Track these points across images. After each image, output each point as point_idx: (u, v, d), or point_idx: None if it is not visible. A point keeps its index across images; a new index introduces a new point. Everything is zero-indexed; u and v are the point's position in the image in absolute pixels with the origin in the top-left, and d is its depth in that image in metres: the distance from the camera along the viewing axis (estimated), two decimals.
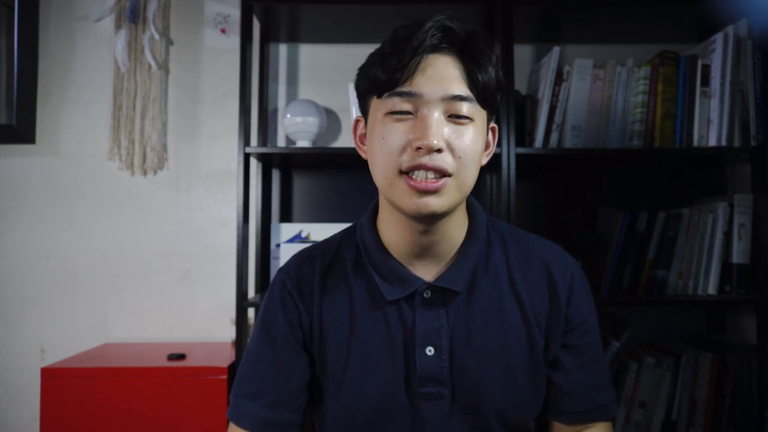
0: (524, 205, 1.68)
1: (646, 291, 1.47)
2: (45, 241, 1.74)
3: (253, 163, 1.65)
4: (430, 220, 0.76)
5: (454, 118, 0.72)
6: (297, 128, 1.60)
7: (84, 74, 1.76)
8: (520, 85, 1.71)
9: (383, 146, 0.73)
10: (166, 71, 1.78)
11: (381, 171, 0.74)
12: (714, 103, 1.45)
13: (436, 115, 0.71)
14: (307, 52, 1.79)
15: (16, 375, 1.71)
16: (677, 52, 1.49)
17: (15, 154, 1.75)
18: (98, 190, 1.75)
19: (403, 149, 0.72)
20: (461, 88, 0.72)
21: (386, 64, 0.72)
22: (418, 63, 0.71)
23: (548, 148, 1.48)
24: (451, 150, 0.71)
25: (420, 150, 0.70)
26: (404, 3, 1.49)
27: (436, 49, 0.72)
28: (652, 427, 1.46)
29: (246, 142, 1.47)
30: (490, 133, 0.82)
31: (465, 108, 0.72)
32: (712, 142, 1.45)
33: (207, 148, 1.77)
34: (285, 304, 0.84)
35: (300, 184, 1.76)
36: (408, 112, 0.72)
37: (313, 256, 0.87)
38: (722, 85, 1.44)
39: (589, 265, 1.54)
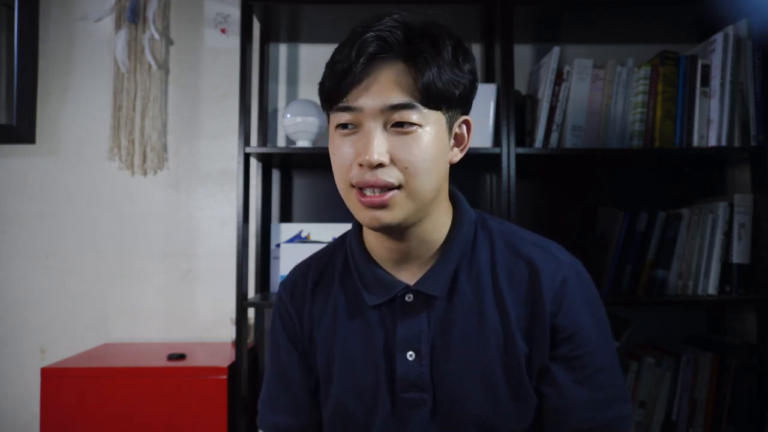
0: (524, 205, 1.68)
1: (646, 291, 1.47)
2: (45, 241, 1.74)
3: (253, 163, 1.65)
4: (391, 231, 0.75)
5: (398, 127, 0.70)
6: (297, 128, 1.60)
7: (84, 74, 1.76)
8: (520, 85, 1.71)
9: (335, 161, 0.73)
10: (166, 71, 1.78)
11: (337, 183, 0.75)
12: (714, 103, 1.45)
13: (375, 129, 0.70)
14: (307, 52, 1.79)
15: (16, 375, 1.71)
16: (677, 52, 1.49)
17: (15, 154, 1.75)
18: (98, 190, 1.75)
19: (351, 164, 0.71)
20: (400, 96, 0.69)
21: (330, 77, 0.72)
22: (355, 76, 0.70)
23: (548, 148, 1.48)
24: (396, 161, 0.70)
25: (363, 166, 0.69)
26: (404, 3, 1.49)
27: (374, 58, 0.70)
28: (652, 427, 1.46)
29: (246, 142, 1.47)
30: (464, 126, 0.80)
31: (408, 115, 0.69)
32: (712, 142, 1.45)
33: (207, 148, 1.77)
34: (282, 317, 0.88)
35: (300, 184, 1.76)
36: (354, 126, 0.71)
37: (307, 265, 0.89)
38: (722, 85, 1.44)
39: (589, 265, 1.54)
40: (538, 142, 1.49)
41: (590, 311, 0.78)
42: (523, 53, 1.75)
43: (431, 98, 0.70)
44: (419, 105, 0.70)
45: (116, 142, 1.73)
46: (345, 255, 0.86)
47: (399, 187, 0.70)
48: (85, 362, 1.45)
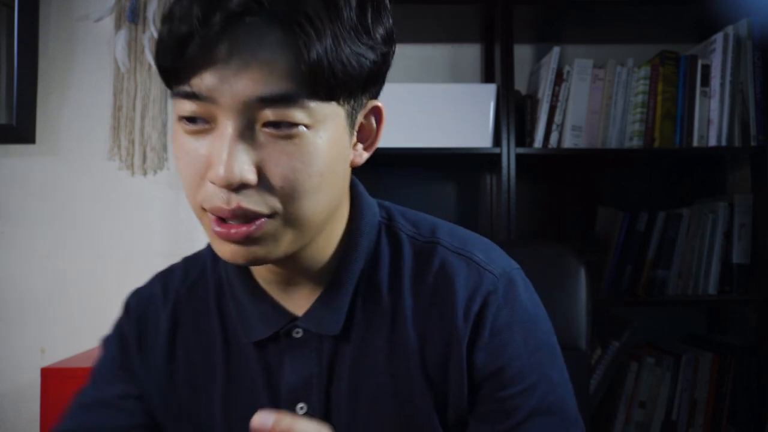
0: (524, 205, 1.68)
1: (646, 291, 1.47)
2: (45, 241, 1.74)
3: None
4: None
5: (272, 128, 0.47)
6: None
7: (84, 74, 1.76)
8: (520, 85, 1.71)
9: (180, 168, 0.51)
10: None
11: (187, 198, 0.51)
12: (714, 103, 1.45)
13: (233, 132, 0.46)
14: None
15: (16, 375, 1.71)
16: (677, 52, 1.49)
17: (15, 154, 1.75)
18: (98, 190, 1.75)
19: (201, 178, 0.49)
20: (276, 83, 0.46)
21: (166, 41, 0.47)
22: (208, 46, 0.45)
23: (548, 148, 1.48)
24: (268, 179, 0.48)
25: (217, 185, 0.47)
26: (404, 3, 1.49)
27: (238, 18, 0.45)
28: (652, 427, 1.46)
29: None
30: (371, 117, 0.57)
31: (288, 113, 0.46)
32: (712, 142, 1.45)
33: None
34: (123, 338, 0.68)
35: None
36: (205, 121, 0.48)
37: (170, 274, 0.69)
38: (722, 85, 1.44)
39: (589, 265, 1.54)
40: (538, 142, 1.49)
41: (523, 338, 0.58)
42: (523, 53, 1.75)
43: (323, 85, 0.47)
44: (305, 97, 0.47)
45: (116, 142, 1.73)
46: (219, 270, 0.64)
47: (272, 214, 0.49)
48: (85, 362, 1.45)
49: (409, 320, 0.58)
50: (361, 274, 0.59)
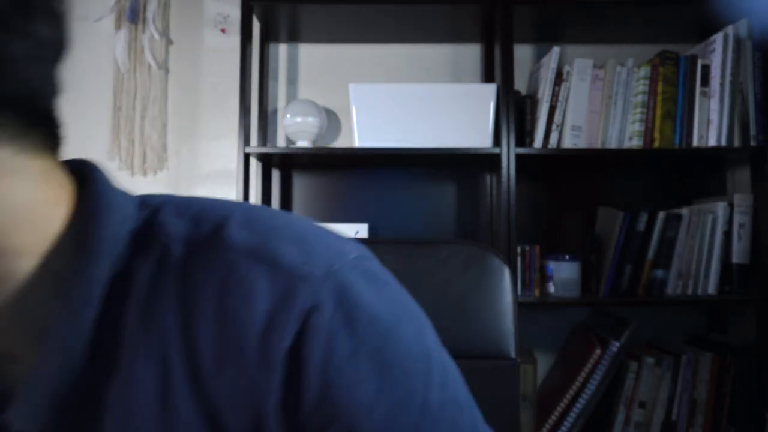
0: (524, 205, 1.68)
1: (646, 291, 1.47)
2: None
3: (253, 163, 1.65)
4: None
5: None
6: (297, 128, 1.60)
7: (84, 74, 1.76)
8: (520, 85, 1.71)
9: None
10: (166, 71, 1.78)
11: None
12: (714, 103, 1.45)
13: None
14: (307, 52, 1.79)
15: None
16: (677, 52, 1.49)
17: None
18: None
19: None
20: None
21: None
22: None
23: (548, 148, 1.48)
24: None
25: None
26: (404, 3, 1.49)
27: None
28: (652, 427, 1.46)
29: (246, 142, 1.47)
30: None
31: None
32: (712, 142, 1.45)
33: (207, 148, 1.77)
34: None
35: (300, 184, 1.76)
36: None
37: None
38: (722, 85, 1.44)
39: (589, 265, 1.54)
40: (538, 142, 1.49)
41: (379, 367, 0.37)
42: (523, 53, 1.75)
43: None
44: None
45: (116, 142, 1.73)
46: None
47: None
48: None
49: (180, 388, 0.35)
50: (112, 293, 0.36)
